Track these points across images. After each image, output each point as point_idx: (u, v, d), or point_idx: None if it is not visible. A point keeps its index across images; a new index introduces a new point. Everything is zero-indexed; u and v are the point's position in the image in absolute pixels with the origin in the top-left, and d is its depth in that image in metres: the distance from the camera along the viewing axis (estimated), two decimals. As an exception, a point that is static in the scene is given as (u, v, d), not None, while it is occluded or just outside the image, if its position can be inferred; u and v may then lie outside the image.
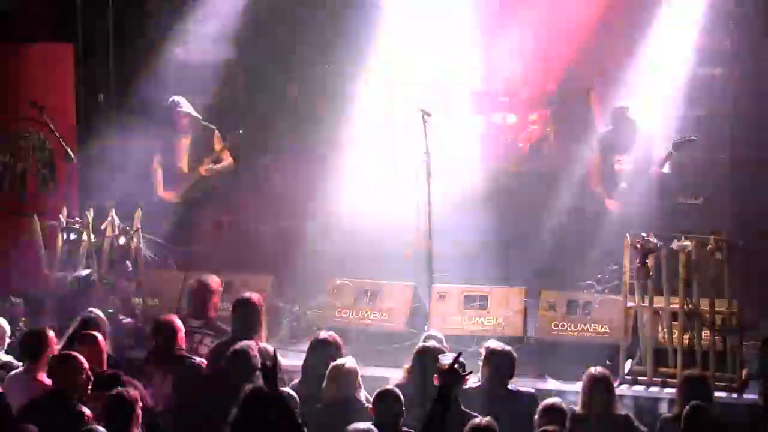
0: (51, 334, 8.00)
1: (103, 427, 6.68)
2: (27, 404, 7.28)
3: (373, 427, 6.60)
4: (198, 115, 11.64)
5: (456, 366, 6.56)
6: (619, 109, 10.78)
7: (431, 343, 8.05)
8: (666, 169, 10.49)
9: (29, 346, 7.93)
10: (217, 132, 11.60)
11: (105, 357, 7.88)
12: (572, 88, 12.00)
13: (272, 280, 10.73)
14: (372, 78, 11.97)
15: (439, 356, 7.13)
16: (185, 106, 11.54)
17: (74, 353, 7.43)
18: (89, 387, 7.26)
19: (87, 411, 7.05)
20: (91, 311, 8.59)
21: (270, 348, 8.04)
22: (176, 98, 11.56)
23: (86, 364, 7.31)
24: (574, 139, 11.69)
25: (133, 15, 12.53)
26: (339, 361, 7.52)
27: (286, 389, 7.30)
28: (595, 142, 11.03)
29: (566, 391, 8.51)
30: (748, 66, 11.50)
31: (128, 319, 9.83)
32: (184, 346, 8.39)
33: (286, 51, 12.56)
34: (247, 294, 8.55)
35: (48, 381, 7.48)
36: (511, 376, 7.76)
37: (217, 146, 11.49)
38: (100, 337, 7.90)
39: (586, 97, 11.85)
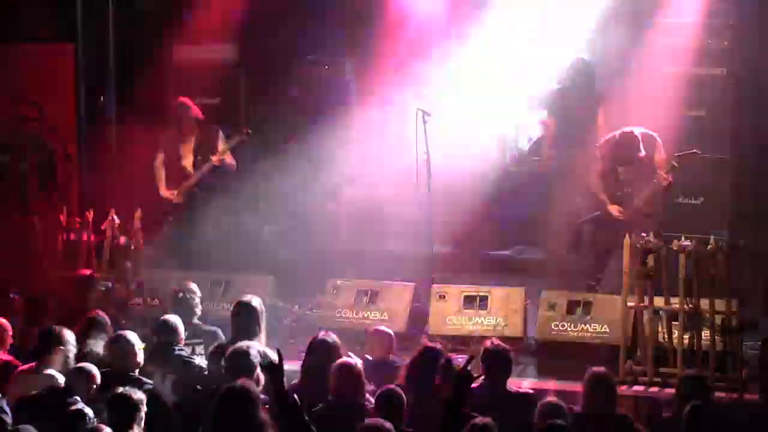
0: (66, 332, 8.01)
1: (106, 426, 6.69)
2: (26, 399, 7.30)
3: (385, 422, 6.60)
4: (201, 115, 11.64)
5: (468, 368, 6.60)
6: (626, 134, 10.71)
7: (434, 344, 8.07)
8: (670, 177, 10.47)
9: (43, 343, 7.93)
10: (220, 132, 11.60)
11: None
12: (579, 92, 11.94)
13: (272, 280, 10.73)
14: (372, 78, 11.96)
15: (452, 358, 7.10)
16: (192, 108, 11.53)
17: (87, 364, 7.47)
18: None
19: (88, 410, 7.06)
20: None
21: (272, 352, 8.06)
22: (182, 100, 11.55)
23: (96, 375, 7.36)
24: (573, 144, 11.68)
25: (133, 15, 12.53)
26: (342, 361, 7.51)
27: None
28: (599, 151, 10.99)
29: (566, 391, 8.50)
30: (748, 66, 11.49)
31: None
32: (183, 346, 8.39)
33: (286, 51, 12.55)
34: (247, 297, 8.54)
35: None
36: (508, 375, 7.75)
37: (221, 146, 11.49)
38: (132, 336, 7.88)
39: (594, 109, 11.80)
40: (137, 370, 7.73)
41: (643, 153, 10.52)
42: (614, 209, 10.66)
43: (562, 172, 11.61)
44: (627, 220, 10.40)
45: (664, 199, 10.66)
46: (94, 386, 7.35)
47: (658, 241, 9.16)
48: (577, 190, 11.21)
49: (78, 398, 7.16)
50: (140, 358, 7.78)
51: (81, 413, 7.00)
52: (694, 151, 10.46)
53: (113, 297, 10.16)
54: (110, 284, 10.23)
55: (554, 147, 12.04)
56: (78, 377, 7.37)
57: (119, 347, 7.77)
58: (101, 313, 8.64)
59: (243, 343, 7.65)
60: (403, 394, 6.98)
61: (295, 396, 7.14)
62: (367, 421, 6.56)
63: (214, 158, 11.40)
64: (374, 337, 8.66)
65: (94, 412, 7.01)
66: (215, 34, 12.25)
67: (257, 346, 7.77)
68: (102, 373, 7.51)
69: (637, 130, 10.56)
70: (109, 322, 8.59)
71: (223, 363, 7.57)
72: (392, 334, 8.70)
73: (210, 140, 11.54)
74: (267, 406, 6.89)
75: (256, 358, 7.49)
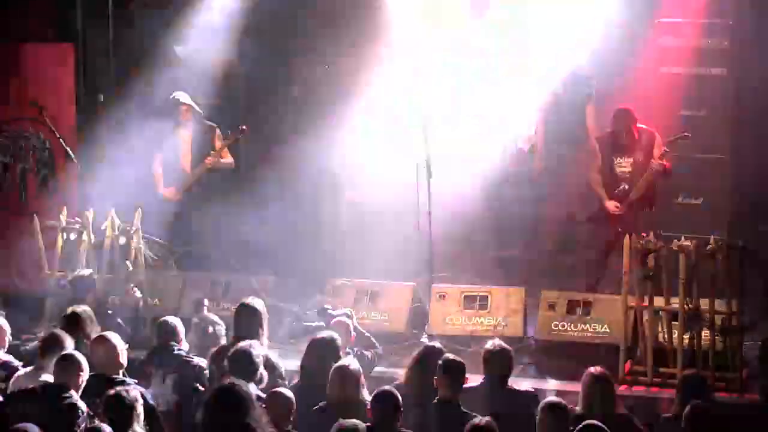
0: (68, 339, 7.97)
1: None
2: (22, 393, 7.31)
3: (358, 422, 6.61)
4: (199, 110, 11.64)
5: None
6: (620, 111, 10.75)
7: (434, 343, 8.08)
8: (666, 165, 10.48)
9: (46, 347, 7.90)
10: (218, 131, 11.60)
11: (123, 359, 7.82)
12: (569, 91, 11.94)
13: (272, 280, 10.73)
14: (373, 78, 11.96)
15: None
16: (187, 99, 11.54)
17: (74, 353, 7.46)
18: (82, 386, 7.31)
19: (83, 404, 7.08)
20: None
21: (273, 354, 8.06)
22: (178, 93, 11.56)
23: (85, 365, 7.35)
24: (563, 143, 11.70)
25: (133, 15, 12.53)
26: (342, 362, 7.52)
27: (283, 390, 7.28)
28: (596, 144, 11.01)
29: (566, 391, 8.51)
30: (748, 66, 11.49)
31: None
32: (183, 346, 8.39)
33: (286, 51, 12.56)
34: (249, 299, 8.55)
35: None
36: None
37: (218, 144, 11.50)
38: (114, 337, 7.85)
39: (583, 108, 11.81)
40: (121, 372, 7.72)
41: (638, 126, 10.55)
42: (611, 205, 10.67)
43: (555, 173, 11.64)
44: (626, 217, 10.43)
45: (662, 188, 10.66)
46: (84, 376, 7.35)
47: (658, 241, 9.16)
48: (571, 189, 11.22)
49: (73, 393, 7.17)
50: (123, 359, 7.76)
51: (75, 406, 7.03)
52: (685, 134, 10.47)
53: (113, 297, 10.16)
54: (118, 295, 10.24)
55: (546, 145, 12.07)
56: (66, 366, 7.36)
57: (101, 349, 7.75)
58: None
59: (245, 343, 7.65)
60: (399, 395, 6.99)
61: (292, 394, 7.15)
62: (341, 421, 6.57)
63: (210, 158, 11.40)
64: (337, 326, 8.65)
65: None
66: (217, 34, 12.24)
67: (259, 347, 7.78)
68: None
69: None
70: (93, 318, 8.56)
71: (225, 363, 7.58)
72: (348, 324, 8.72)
73: (208, 139, 11.55)
74: (264, 405, 6.90)
75: (258, 358, 7.50)
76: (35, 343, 9.11)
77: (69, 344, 7.84)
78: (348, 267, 11.24)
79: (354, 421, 6.59)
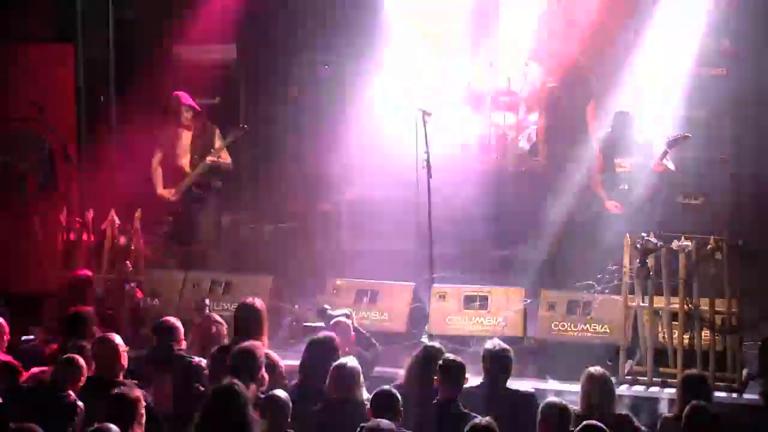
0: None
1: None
2: (20, 392, 7.32)
3: (394, 426, 6.59)
4: (200, 110, 11.65)
5: None
6: (620, 114, 10.77)
7: (434, 343, 8.08)
8: (670, 165, 10.48)
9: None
10: (217, 130, 11.60)
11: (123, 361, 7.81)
12: (570, 91, 11.95)
13: (272, 280, 10.74)
14: (372, 78, 11.97)
15: None
16: (189, 101, 11.54)
17: (77, 357, 7.47)
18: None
19: (80, 403, 7.09)
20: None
21: (274, 354, 8.06)
22: (180, 93, 11.56)
23: (84, 369, 7.36)
24: (565, 143, 11.70)
25: (133, 15, 12.53)
26: (341, 361, 7.53)
27: (279, 392, 7.28)
28: (596, 144, 11.04)
29: (566, 391, 8.50)
30: (748, 66, 11.50)
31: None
32: (183, 346, 8.39)
33: (286, 51, 12.56)
34: (249, 299, 8.54)
35: None
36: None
37: (217, 144, 11.49)
38: (116, 339, 7.85)
39: (584, 107, 11.82)
40: (122, 375, 7.71)
41: (637, 133, 10.56)
42: (611, 205, 10.67)
43: (556, 171, 11.64)
44: (626, 217, 10.44)
45: (664, 191, 10.67)
46: (83, 380, 7.36)
47: (658, 241, 9.16)
48: (571, 187, 11.23)
49: (70, 392, 7.18)
50: (124, 361, 7.75)
51: (73, 405, 7.03)
52: (686, 134, 10.47)
53: (113, 298, 10.16)
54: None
55: (547, 145, 12.08)
56: (67, 369, 7.37)
57: (103, 350, 7.74)
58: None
59: (250, 343, 7.64)
60: (398, 394, 6.99)
61: (286, 394, 7.15)
62: (370, 423, 6.56)
63: (210, 157, 11.39)
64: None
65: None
66: (215, 34, 12.24)
67: (263, 348, 7.77)
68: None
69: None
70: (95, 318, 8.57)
71: (227, 362, 7.57)
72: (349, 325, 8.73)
73: (207, 138, 11.54)
74: (261, 408, 6.89)
75: (262, 359, 7.49)
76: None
77: None
78: (348, 267, 11.24)
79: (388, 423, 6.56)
